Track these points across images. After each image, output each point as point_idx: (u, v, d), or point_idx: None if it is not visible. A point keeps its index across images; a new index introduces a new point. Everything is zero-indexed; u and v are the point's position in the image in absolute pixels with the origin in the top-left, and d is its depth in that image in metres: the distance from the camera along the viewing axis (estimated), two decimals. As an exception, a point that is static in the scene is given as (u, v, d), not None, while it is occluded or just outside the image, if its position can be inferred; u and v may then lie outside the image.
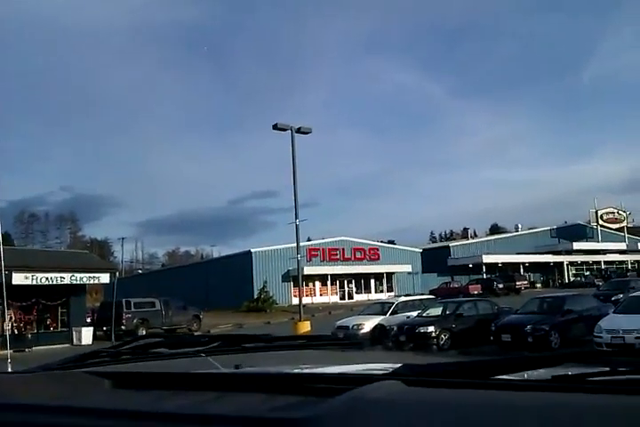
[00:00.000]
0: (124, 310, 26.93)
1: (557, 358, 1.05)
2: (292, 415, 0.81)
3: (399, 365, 1.04)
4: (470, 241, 64.53)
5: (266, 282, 42.57)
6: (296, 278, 33.41)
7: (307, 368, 1.70)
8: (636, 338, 11.92)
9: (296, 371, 1.56)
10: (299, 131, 27.23)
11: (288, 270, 45.41)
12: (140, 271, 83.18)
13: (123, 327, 26.23)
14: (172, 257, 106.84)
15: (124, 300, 27.46)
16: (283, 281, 46.25)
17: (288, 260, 42.74)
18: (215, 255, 78.53)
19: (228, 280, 46.11)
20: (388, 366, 1.20)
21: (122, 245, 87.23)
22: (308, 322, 22.97)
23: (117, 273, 29.41)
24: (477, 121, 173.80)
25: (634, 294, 16.00)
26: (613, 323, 12.98)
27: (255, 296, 41.99)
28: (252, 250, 47.26)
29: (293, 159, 27.04)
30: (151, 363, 1.46)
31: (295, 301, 39.57)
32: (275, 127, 27.14)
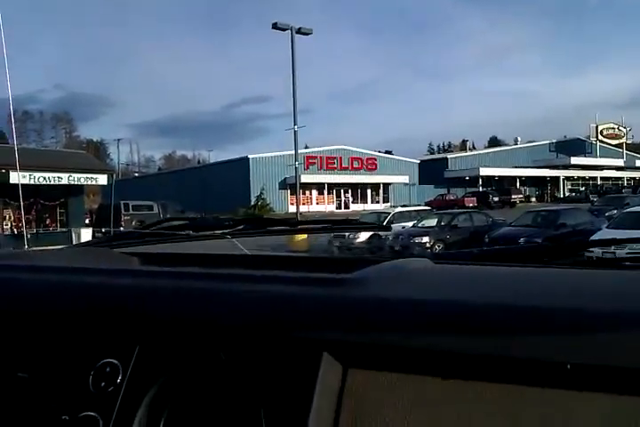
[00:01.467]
0: (123, 212, 27.21)
1: (575, 246, 1.18)
2: (340, 276, 0.84)
3: None
4: (468, 153, 64.21)
5: (263, 189, 42.71)
6: (293, 186, 33.52)
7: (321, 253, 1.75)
8: (627, 253, 12.14)
9: (321, 255, 1.62)
10: (299, 31, 26.04)
11: (285, 178, 45.42)
12: (136, 174, 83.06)
13: (121, 229, 26.61)
14: (168, 161, 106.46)
15: (122, 202, 27.64)
16: (280, 188, 46.44)
17: (285, 167, 42.60)
18: (212, 160, 78.22)
19: (225, 186, 46.18)
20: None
21: (118, 147, 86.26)
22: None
23: (114, 175, 29.33)
24: (479, 27, 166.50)
25: (628, 210, 16.14)
26: (606, 238, 13.14)
27: (252, 203, 42.33)
28: (250, 156, 46.98)
29: (293, 62, 26.09)
30: (177, 244, 1.48)
31: (292, 208, 40.00)
32: (274, 26, 25.91)
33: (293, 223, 1.76)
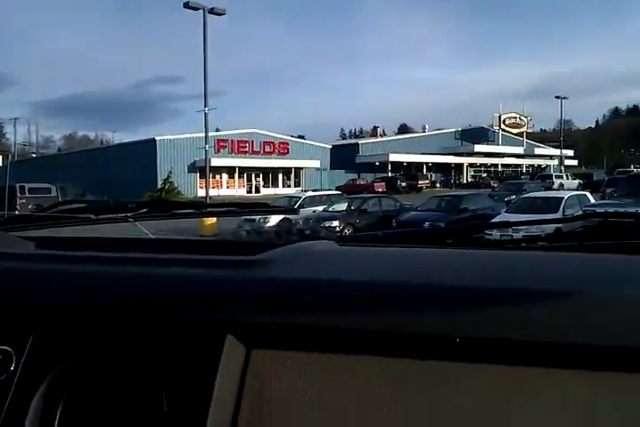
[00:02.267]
0: (18, 195, 25.47)
1: (475, 227, 1.27)
2: (243, 258, 0.84)
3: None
4: (379, 139, 65.43)
5: (171, 172, 41.42)
6: (203, 169, 32.75)
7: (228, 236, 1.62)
8: (524, 236, 12.77)
9: (227, 239, 1.47)
10: (212, 11, 25.26)
11: (194, 161, 44.30)
12: (34, 155, 78.12)
13: (16, 213, 24.90)
14: (69, 141, 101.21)
15: (17, 184, 25.89)
16: (189, 172, 45.24)
17: (195, 150, 41.51)
18: (116, 141, 75.00)
19: (129, 168, 44.45)
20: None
21: (14, 126, 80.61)
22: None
23: (10, 156, 27.34)
24: (389, 16, 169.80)
25: (525, 196, 17.05)
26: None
27: (159, 186, 40.98)
28: (157, 138, 45.41)
29: (205, 42, 25.33)
30: (77, 228, 1.41)
31: (201, 192, 39.11)
32: (186, 6, 24.98)
33: (199, 206, 1.70)
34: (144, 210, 1.47)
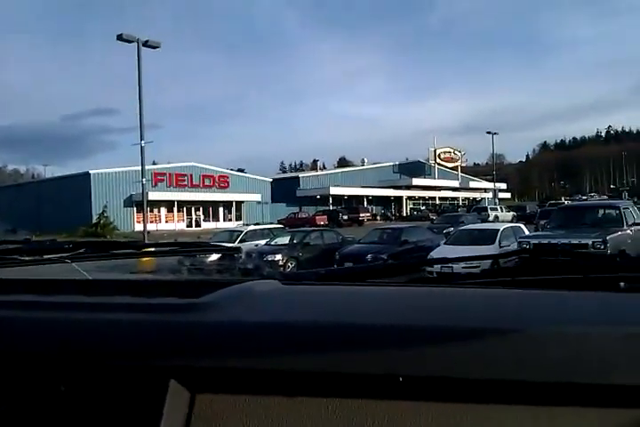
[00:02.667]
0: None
1: (415, 264, 1.30)
2: (186, 301, 0.83)
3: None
4: (319, 173, 66.08)
5: (106, 206, 40.23)
6: (140, 204, 31.99)
7: (170, 276, 1.57)
8: (463, 268, 12.95)
9: (168, 278, 1.49)
10: (146, 44, 25.06)
11: (131, 195, 43.28)
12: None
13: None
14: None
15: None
16: (125, 206, 44.07)
17: (132, 183, 40.63)
18: (48, 175, 72.56)
19: (62, 203, 42.91)
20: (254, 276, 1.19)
21: (-63, 161, 76.72)
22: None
23: None
24: (330, 54, 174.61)
25: (462, 228, 17.38)
26: (443, 253, 13.94)
27: (94, 221, 39.65)
28: (91, 171, 44.09)
29: (139, 75, 25.05)
30: (9, 269, 1.33)
31: (138, 227, 38.05)
32: (120, 38, 24.69)
33: (139, 246, 1.69)
34: (82, 250, 1.42)
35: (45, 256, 1.42)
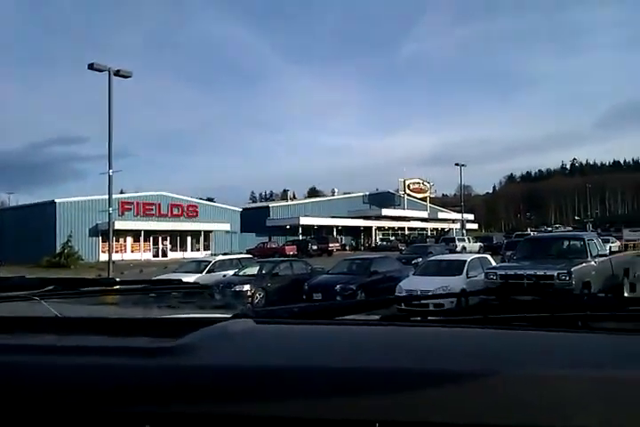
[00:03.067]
0: None
1: (387, 301, 1.29)
2: (161, 345, 0.82)
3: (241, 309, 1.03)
4: (289, 203, 66.04)
5: (70, 236, 39.38)
6: (106, 233, 31.41)
7: (143, 314, 1.61)
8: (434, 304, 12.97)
9: (136, 316, 1.43)
10: (117, 73, 25.00)
11: (97, 224, 42.51)
12: None
13: None
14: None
15: None
16: (90, 235, 43.19)
17: (98, 213, 40.02)
18: (13, 204, 70.93)
19: (27, 232, 41.93)
20: (226, 314, 1.15)
21: None
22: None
23: None
24: (302, 86, 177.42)
25: (431, 259, 17.50)
26: (412, 283, 13.99)
27: (58, 251, 38.73)
28: (57, 200, 43.27)
29: (110, 104, 24.88)
30: None
31: (104, 257, 37.25)
32: (90, 67, 24.58)
33: (110, 283, 1.68)
34: (51, 287, 1.40)
35: (13, 293, 1.39)
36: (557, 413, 0.65)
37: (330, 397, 0.69)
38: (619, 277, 13.97)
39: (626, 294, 14.06)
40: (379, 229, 63.36)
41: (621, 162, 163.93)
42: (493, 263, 15.32)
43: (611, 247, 20.34)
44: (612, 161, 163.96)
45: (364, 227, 61.53)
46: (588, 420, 0.64)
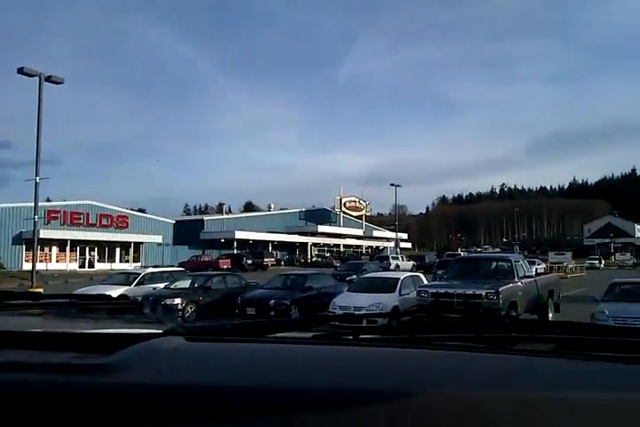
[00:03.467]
0: None
1: (319, 320, 1.31)
2: (89, 362, 0.81)
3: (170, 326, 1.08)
4: (225, 216, 65.43)
5: (-8, 243, 37.47)
6: (30, 241, 30.05)
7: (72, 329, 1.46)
8: (364, 318, 13.06)
9: (66, 330, 1.34)
10: (49, 79, 24.12)
11: (21, 232, 40.72)
12: None
13: None
14: None
15: None
16: (13, 244, 41.23)
17: (22, 220, 38.39)
18: None
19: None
20: (157, 329, 1.11)
21: None
22: (41, 290, 20.65)
23: None
24: (239, 100, 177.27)
25: (365, 276, 17.66)
26: (346, 300, 14.04)
27: (-23, 259, 36.70)
28: (-22, 206, 41.13)
29: (39, 110, 23.90)
30: None
31: (27, 266, 35.55)
32: (20, 71, 23.59)
33: (36, 297, 1.64)
34: None
35: None
36: None
37: (262, 416, 0.69)
38: (544, 298, 14.50)
39: (550, 315, 14.63)
40: (314, 245, 63.61)
41: (547, 188, 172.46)
42: (425, 282, 15.61)
43: (537, 269, 21.19)
44: (538, 187, 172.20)
45: (300, 243, 61.62)
46: None
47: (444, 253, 56.45)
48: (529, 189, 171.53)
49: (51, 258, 43.23)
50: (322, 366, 0.83)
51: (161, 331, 1.02)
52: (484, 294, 12.19)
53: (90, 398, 0.73)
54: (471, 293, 12.34)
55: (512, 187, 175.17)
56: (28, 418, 0.71)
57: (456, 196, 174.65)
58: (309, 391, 0.71)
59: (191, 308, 16.15)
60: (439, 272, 19.30)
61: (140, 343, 0.89)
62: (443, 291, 12.82)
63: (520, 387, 0.73)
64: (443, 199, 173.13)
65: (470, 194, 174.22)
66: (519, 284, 13.36)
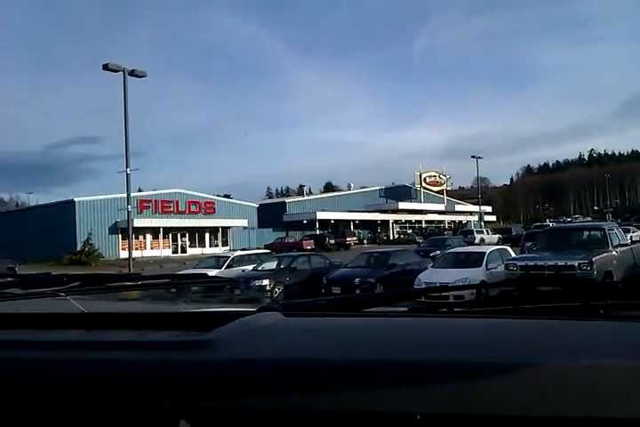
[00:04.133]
0: None
1: (412, 293, 1.30)
2: (193, 338, 0.81)
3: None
4: (305, 198, 66.12)
5: (90, 234, 39.86)
6: (125, 231, 31.76)
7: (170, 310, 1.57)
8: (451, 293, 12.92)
9: (164, 310, 1.41)
10: (132, 73, 25.18)
11: (116, 222, 42.90)
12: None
13: None
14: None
15: None
16: (110, 233, 43.65)
17: (117, 211, 40.43)
18: (32, 203, 71.88)
19: (47, 231, 42.38)
20: (250, 308, 1.13)
21: None
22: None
23: None
24: (314, 80, 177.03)
25: (449, 251, 17.42)
26: (431, 276, 13.94)
27: (78, 249, 39.22)
28: (76, 199, 43.75)
29: (125, 104, 25.09)
30: (2, 304, 1.30)
31: (123, 254, 37.69)
32: (105, 68, 24.78)
33: (135, 278, 1.68)
34: (77, 283, 1.38)
35: (40, 290, 1.38)
36: (597, 402, 0.63)
37: (367, 390, 0.66)
38: (640, 267, 13.82)
39: (648, 283, 13.89)
40: (396, 222, 63.21)
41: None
42: (513, 255, 15.22)
43: (632, 237, 20.11)
44: (630, 151, 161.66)
45: (381, 220, 61.43)
46: (623, 409, 0.63)
47: (531, 224, 54.48)
48: (620, 153, 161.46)
49: (145, 245, 45.49)
50: (429, 337, 0.81)
51: (255, 309, 1.03)
52: (576, 264, 11.76)
53: (192, 374, 0.72)
54: (563, 264, 11.93)
55: (601, 152, 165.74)
56: (133, 394, 0.71)
57: (541, 165, 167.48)
58: (417, 363, 0.68)
59: (279, 288, 16.60)
60: (527, 244, 18.75)
61: (238, 320, 0.90)
62: (532, 263, 12.46)
63: (635, 355, 0.69)
64: (527, 169, 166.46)
65: (557, 162, 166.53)
66: (614, 253, 12.78)
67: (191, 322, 1.06)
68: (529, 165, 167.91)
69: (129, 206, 25.80)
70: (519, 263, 12.77)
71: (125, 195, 26.26)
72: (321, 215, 55.03)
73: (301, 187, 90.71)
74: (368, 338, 0.83)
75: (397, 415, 0.65)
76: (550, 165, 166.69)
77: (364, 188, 70.83)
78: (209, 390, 0.70)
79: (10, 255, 29.84)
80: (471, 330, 0.85)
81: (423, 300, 11.45)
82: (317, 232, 52.31)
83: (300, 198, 65.79)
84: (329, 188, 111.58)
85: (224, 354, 0.75)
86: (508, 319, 0.93)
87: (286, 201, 62.52)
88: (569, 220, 74.56)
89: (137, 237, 41.46)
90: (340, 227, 54.80)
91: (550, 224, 42.77)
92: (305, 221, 54.48)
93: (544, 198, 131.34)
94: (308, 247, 40.88)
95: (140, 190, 49.61)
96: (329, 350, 0.76)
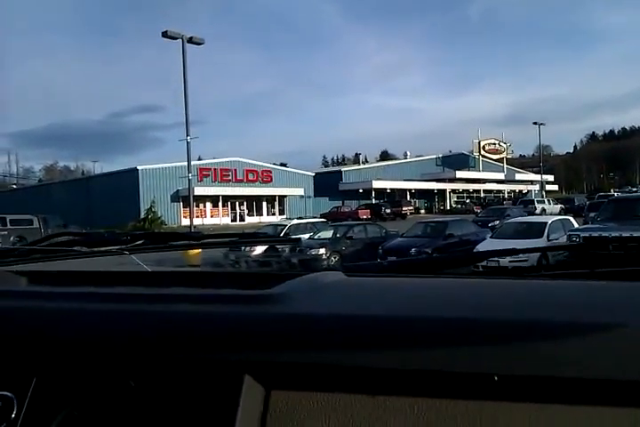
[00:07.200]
0: None
1: (474, 258, 1.31)
2: (258, 292, 0.80)
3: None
4: (361, 166, 65.82)
5: (154, 202, 41.14)
6: (186, 198, 32.57)
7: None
8: (510, 262, 12.76)
9: (230, 270, 1.37)
10: (190, 40, 25.45)
11: (177, 190, 44.06)
12: (14, 186, 77.34)
13: (-3, 246, 24.45)
14: (49, 172, 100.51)
15: (-3, 215, 25.57)
16: (172, 201, 44.91)
17: (178, 179, 41.40)
18: (97, 171, 74.56)
19: (112, 199, 43.94)
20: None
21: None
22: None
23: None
24: (368, 46, 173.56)
25: (509, 221, 17.11)
26: (490, 247, 13.71)
27: (142, 216, 40.63)
28: (139, 167, 45.06)
29: (184, 72, 25.44)
30: (70, 262, 1.33)
31: (185, 222, 38.82)
32: (165, 35, 25.13)
33: (198, 237, 1.65)
34: (139, 242, 1.39)
35: (104, 248, 1.42)
36: None
37: (442, 348, 0.64)
38: None
39: None
40: (453, 191, 62.21)
41: None
42: (576, 225, 14.83)
43: None
44: None
45: (438, 190, 60.59)
46: None
47: (595, 194, 52.52)
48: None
49: (205, 213, 46.55)
50: (502, 298, 0.78)
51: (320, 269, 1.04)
52: (643, 236, 11.38)
53: (259, 328, 0.72)
54: (629, 235, 11.56)
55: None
56: (199, 346, 0.71)
57: (607, 132, 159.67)
58: (496, 324, 0.66)
59: (335, 257, 16.80)
60: (591, 215, 18.18)
61: (302, 276, 0.92)
62: (596, 234, 12.11)
63: None
64: (592, 136, 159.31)
65: (623, 129, 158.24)
66: (684, 224, 12.26)
67: (255, 280, 1.09)
68: (594, 132, 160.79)
69: (189, 175, 26.40)
70: (582, 234, 12.45)
71: (186, 163, 26.88)
72: (377, 184, 54.77)
73: (357, 155, 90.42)
74: (436, 295, 0.81)
75: (472, 375, 0.62)
76: (616, 131, 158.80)
77: (421, 156, 69.71)
78: (273, 345, 0.69)
79: (77, 222, 31.21)
80: (548, 291, 0.82)
81: (480, 270, 11.42)
82: (373, 201, 52.16)
83: (356, 167, 65.53)
84: (385, 156, 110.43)
85: (289, 308, 0.74)
86: (588, 281, 0.91)
87: (342, 170, 62.38)
88: (635, 189, 71.34)
89: (197, 206, 42.44)
90: (396, 196, 54.48)
91: (615, 194, 41.12)
92: (361, 190, 54.38)
93: (609, 167, 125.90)
94: (364, 216, 40.91)
95: (199, 159, 50.64)
96: (394, 307, 0.74)
